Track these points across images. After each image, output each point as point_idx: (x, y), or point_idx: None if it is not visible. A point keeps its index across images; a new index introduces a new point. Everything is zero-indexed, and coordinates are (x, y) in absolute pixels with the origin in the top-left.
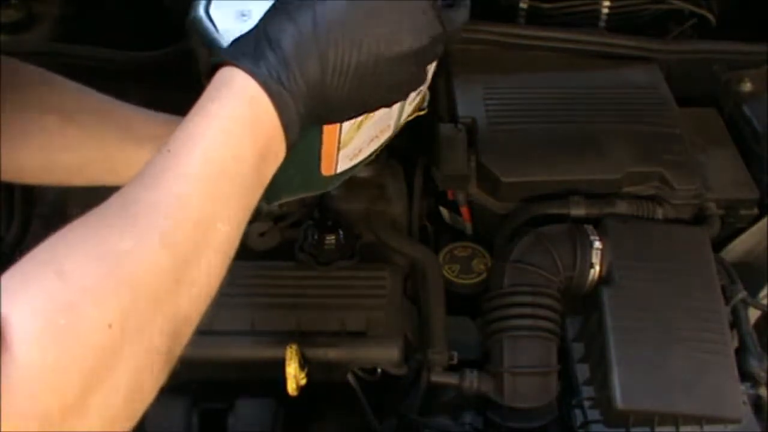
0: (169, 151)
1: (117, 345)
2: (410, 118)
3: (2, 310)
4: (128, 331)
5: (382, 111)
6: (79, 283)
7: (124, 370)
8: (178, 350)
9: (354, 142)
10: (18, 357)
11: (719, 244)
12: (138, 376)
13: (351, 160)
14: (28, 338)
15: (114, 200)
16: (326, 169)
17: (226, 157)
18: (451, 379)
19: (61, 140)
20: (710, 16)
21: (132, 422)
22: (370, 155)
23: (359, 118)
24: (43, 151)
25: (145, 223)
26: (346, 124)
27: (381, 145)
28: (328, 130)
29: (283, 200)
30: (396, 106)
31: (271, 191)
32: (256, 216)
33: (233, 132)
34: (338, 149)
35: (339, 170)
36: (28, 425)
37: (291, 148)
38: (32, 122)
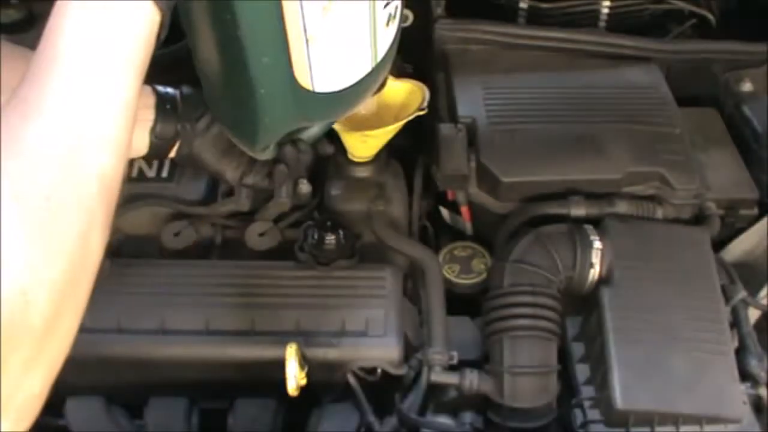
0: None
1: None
2: (410, 117)
3: None
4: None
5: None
6: None
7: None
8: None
9: (324, 39)
10: None
11: (719, 244)
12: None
13: (328, 78)
14: None
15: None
16: (300, 75)
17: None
18: (451, 379)
19: None
20: (710, 16)
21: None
22: (352, 92)
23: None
24: None
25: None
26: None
27: (362, 89)
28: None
29: (270, 135)
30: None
31: (248, 120)
32: (256, 216)
33: None
34: (306, 41)
35: (317, 87)
36: None
37: None
38: None
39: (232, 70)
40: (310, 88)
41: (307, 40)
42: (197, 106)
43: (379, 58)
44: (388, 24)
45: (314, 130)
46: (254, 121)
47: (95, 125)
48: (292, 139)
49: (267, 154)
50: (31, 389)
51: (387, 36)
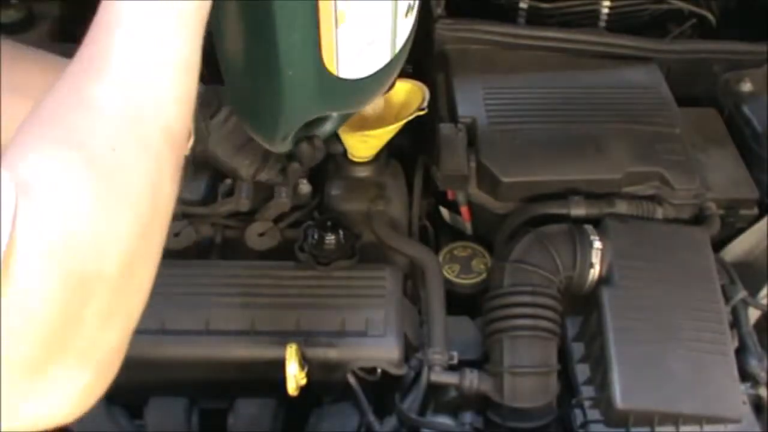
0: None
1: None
2: (410, 116)
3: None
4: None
5: None
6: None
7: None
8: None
9: (352, 21)
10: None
11: (719, 244)
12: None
13: (352, 63)
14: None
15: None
16: (327, 57)
17: None
18: (451, 379)
19: None
20: (710, 16)
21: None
22: (371, 82)
23: None
24: None
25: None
26: None
27: (380, 80)
28: None
29: (290, 124)
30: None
31: (269, 107)
32: (256, 216)
33: None
34: (336, 21)
35: (341, 71)
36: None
37: None
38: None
39: (261, 48)
40: (334, 72)
41: (336, 20)
42: (211, 103)
43: (397, 49)
44: (406, 14)
45: (328, 127)
46: (275, 108)
47: (158, 78)
48: (307, 135)
49: (284, 147)
50: (109, 342)
51: (405, 27)
